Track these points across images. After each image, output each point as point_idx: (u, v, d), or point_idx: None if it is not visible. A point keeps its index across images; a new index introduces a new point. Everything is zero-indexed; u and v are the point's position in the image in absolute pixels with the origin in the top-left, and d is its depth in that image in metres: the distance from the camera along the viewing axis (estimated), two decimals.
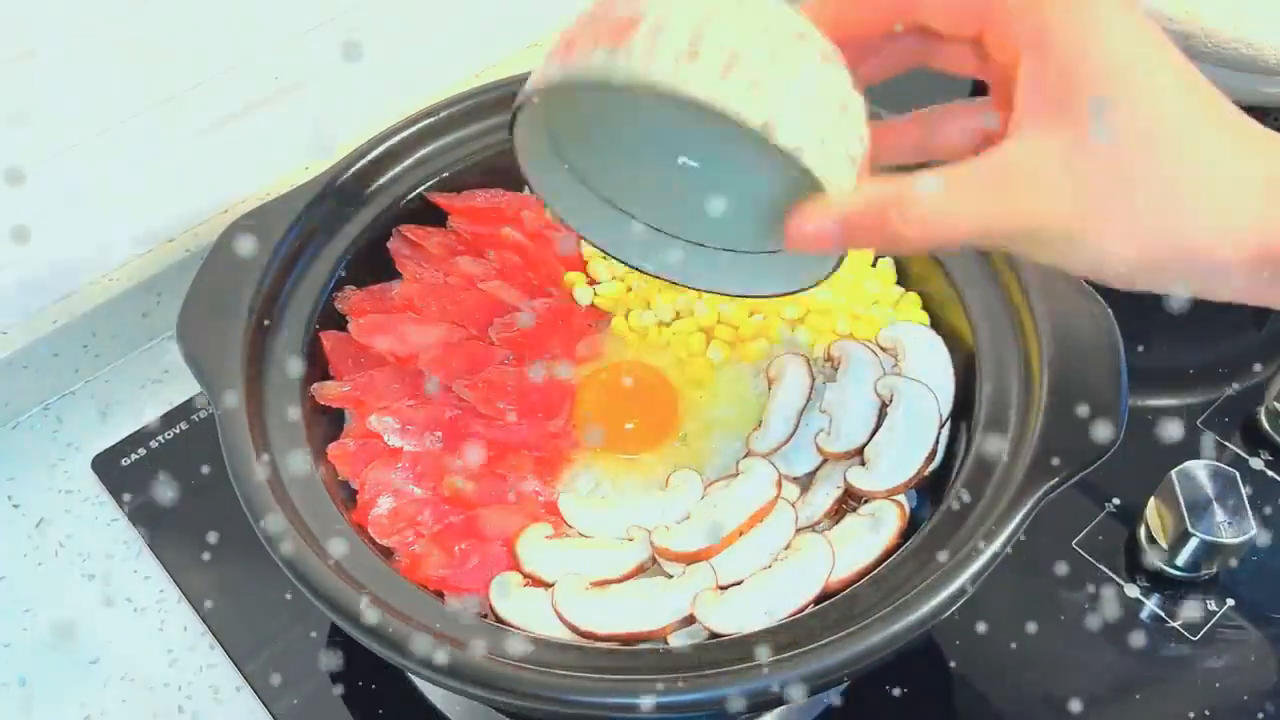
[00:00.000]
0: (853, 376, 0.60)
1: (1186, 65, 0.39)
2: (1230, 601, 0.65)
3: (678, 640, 0.53)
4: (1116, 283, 0.40)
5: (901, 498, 0.57)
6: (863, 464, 0.58)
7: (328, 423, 0.61)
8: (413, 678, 0.62)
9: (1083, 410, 0.54)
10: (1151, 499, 0.65)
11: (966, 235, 0.40)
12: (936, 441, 0.58)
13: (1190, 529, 0.62)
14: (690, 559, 0.55)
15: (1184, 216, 0.38)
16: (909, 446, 0.57)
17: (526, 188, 0.70)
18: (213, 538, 0.66)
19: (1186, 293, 0.39)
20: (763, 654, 0.49)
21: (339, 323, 0.63)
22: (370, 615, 0.49)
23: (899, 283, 0.66)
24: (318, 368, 0.61)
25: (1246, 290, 0.39)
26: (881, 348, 0.62)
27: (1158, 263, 0.38)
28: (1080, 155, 0.38)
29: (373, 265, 0.66)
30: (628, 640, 0.53)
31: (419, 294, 0.64)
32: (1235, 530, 0.62)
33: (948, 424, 0.59)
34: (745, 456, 0.59)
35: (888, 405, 0.59)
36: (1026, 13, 0.39)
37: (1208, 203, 0.38)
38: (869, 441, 0.58)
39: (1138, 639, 0.63)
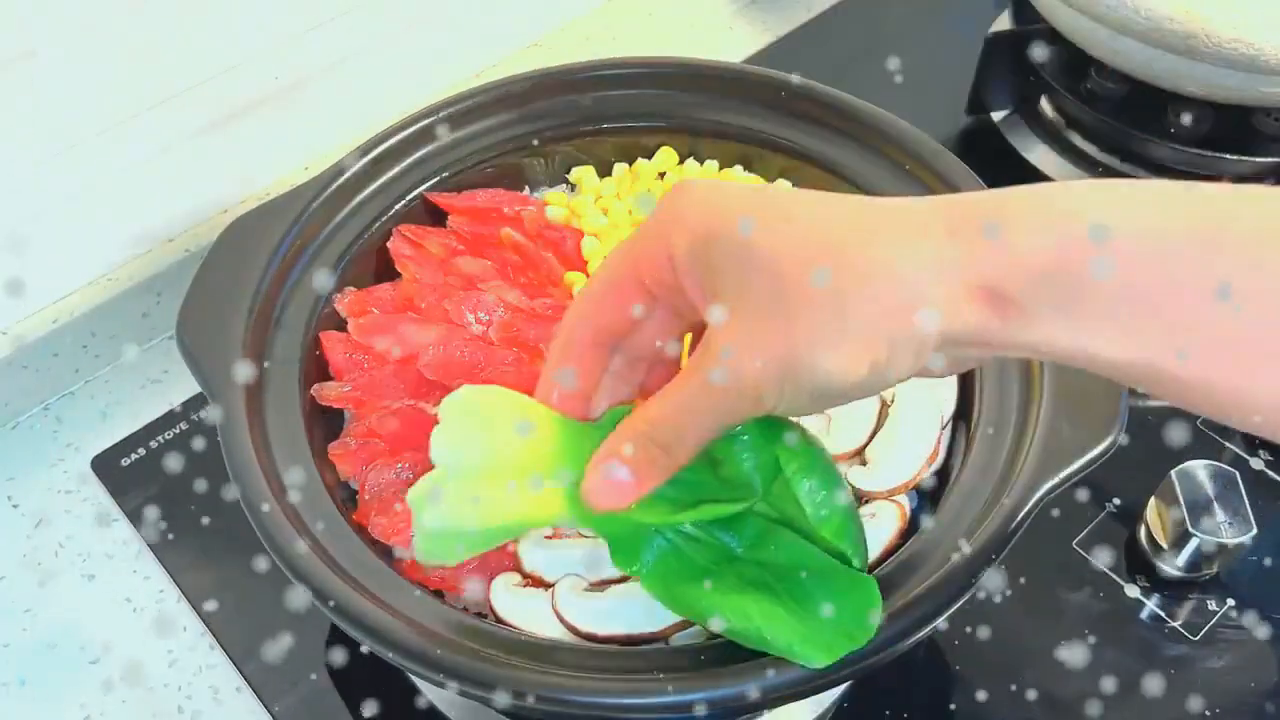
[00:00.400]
0: None
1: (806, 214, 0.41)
2: (1230, 602, 0.64)
3: (679, 641, 0.53)
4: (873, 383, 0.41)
5: (902, 498, 0.57)
6: (863, 464, 0.57)
7: (327, 423, 0.61)
8: (412, 677, 0.62)
9: (1083, 410, 0.54)
10: (1152, 499, 0.65)
11: (717, 419, 0.42)
12: (938, 442, 0.58)
13: (1190, 529, 0.62)
14: None
15: (873, 320, 0.39)
16: (910, 447, 0.57)
17: (527, 187, 0.70)
18: (212, 538, 0.66)
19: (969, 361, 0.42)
20: (763, 654, 0.49)
21: (339, 323, 0.63)
22: (370, 616, 0.49)
23: None
24: (318, 368, 0.61)
25: (976, 333, 0.39)
26: None
27: (884, 362, 0.39)
28: (753, 321, 0.40)
29: (373, 265, 0.66)
30: (628, 642, 0.53)
31: (419, 294, 0.64)
32: (1235, 530, 0.62)
33: (949, 425, 0.59)
34: None
35: (889, 405, 0.59)
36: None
37: (885, 289, 0.38)
38: (869, 442, 0.58)
39: (1138, 639, 0.63)
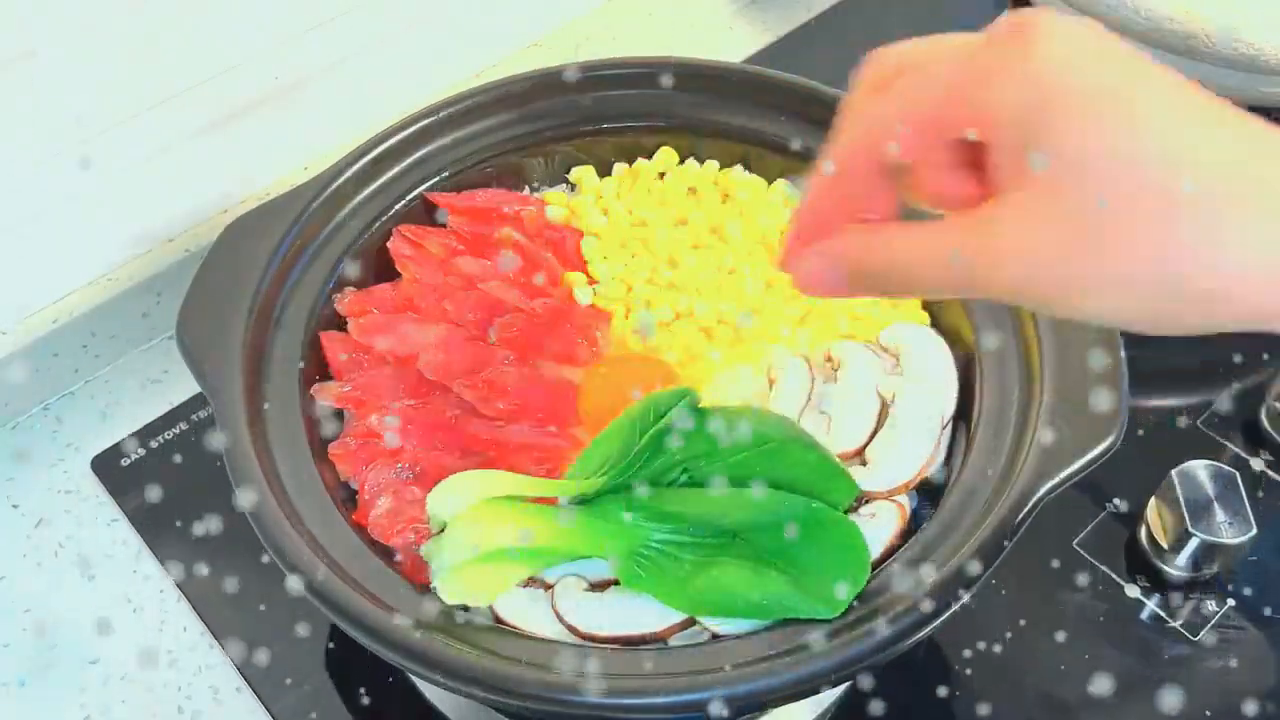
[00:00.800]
0: (853, 377, 0.60)
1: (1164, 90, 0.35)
2: (1231, 602, 0.64)
3: (679, 641, 0.53)
4: (1121, 326, 0.37)
5: (902, 498, 0.56)
6: (863, 464, 0.57)
7: (327, 423, 0.60)
8: (412, 678, 0.62)
9: (1083, 410, 0.54)
10: (1152, 499, 0.65)
11: (938, 280, 0.38)
12: (938, 442, 0.58)
13: (1191, 529, 0.62)
14: None
15: (1204, 267, 0.33)
16: (910, 447, 0.57)
17: (527, 188, 0.70)
18: (213, 538, 0.65)
19: (1212, 331, 0.36)
20: (763, 654, 0.49)
21: (339, 323, 0.63)
22: (370, 616, 0.49)
23: None
24: (317, 368, 0.61)
25: None
26: (882, 348, 0.61)
27: (1171, 313, 0.35)
28: (1061, 209, 0.35)
29: (373, 265, 0.66)
30: (628, 643, 0.53)
31: (419, 294, 0.64)
32: (1235, 531, 0.62)
33: (949, 425, 0.59)
34: None
35: (890, 406, 0.59)
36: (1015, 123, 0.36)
37: (1231, 251, 0.33)
38: (869, 442, 0.58)
39: (1138, 640, 0.63)
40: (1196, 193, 0.33)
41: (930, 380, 0.59)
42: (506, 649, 0.50)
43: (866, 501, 0.57)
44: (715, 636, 0.52)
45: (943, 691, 0.62)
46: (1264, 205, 0.33)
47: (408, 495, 0.57)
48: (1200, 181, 0.33)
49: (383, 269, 0.66)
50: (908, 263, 0.38)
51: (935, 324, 0.63)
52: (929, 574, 0.51)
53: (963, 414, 0.59)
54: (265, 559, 0.51)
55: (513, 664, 0.49)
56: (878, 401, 0.59)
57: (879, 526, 0.55)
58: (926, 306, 0.64)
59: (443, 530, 0.53)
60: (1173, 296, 0.34)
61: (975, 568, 0.50)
